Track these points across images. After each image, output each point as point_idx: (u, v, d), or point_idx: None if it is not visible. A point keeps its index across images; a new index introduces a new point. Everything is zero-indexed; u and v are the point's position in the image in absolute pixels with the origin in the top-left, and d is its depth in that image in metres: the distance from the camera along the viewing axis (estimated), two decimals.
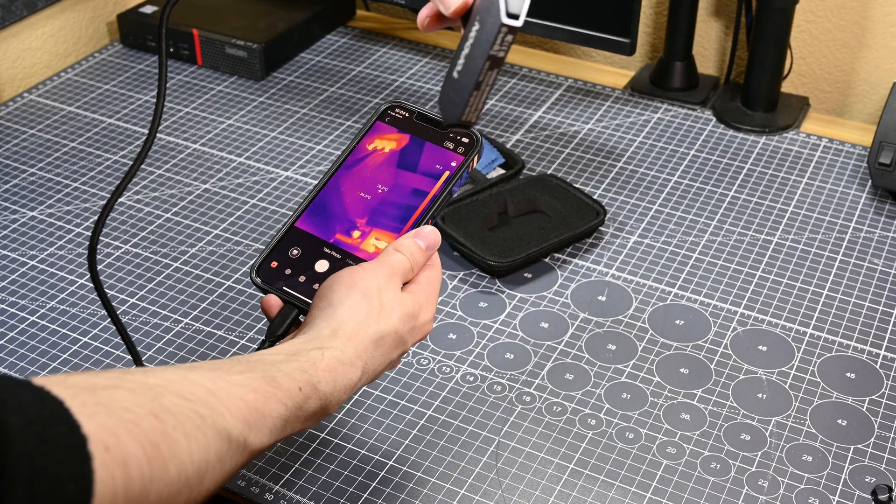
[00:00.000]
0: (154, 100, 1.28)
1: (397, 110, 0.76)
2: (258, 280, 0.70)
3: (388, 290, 0.65)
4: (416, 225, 0.71)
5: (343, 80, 1.32)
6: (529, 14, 1.22)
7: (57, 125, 1.23)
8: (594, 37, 1.18)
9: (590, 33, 1.19)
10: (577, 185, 1.10)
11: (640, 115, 1.24)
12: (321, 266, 0.70)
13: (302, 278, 0.70)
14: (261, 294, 0.71)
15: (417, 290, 0.68)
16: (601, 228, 1.05)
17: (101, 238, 1.04)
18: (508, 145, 1.19)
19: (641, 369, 0.89)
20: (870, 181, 1.12)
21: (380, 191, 0.72)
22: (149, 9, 1.39)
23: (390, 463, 0.80)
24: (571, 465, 0.80)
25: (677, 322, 0.94)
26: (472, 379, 0.88)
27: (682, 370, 0.89)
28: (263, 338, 0.67)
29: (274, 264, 0.70)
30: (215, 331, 0.93)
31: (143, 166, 1.15)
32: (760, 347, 0.91)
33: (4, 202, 1.10)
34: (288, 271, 0.70)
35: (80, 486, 0.41)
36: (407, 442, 0.82)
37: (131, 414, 0.46)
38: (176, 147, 1.19)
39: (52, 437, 0.41)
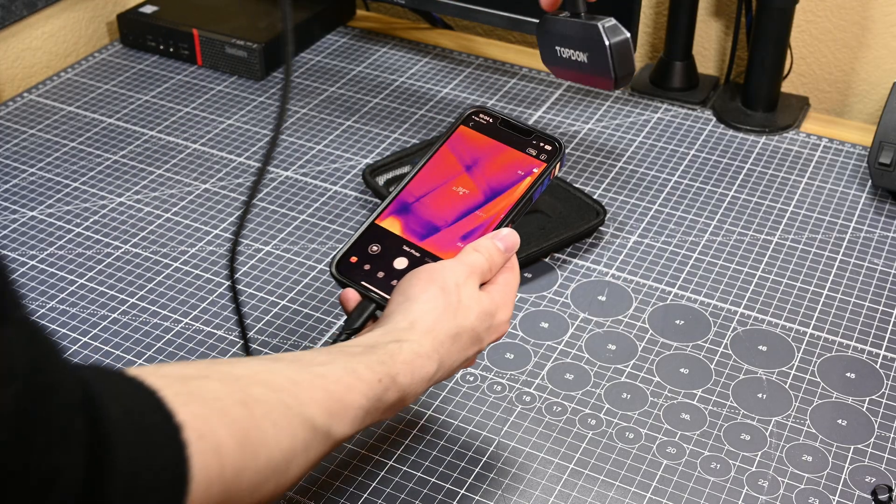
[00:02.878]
0: (154, 100, 1.28)
1: (482, 115, 0.77)
2: (337, 274, 0.71)
3: (467, 287, 0.66)
4: (497, 228, 0.72)
5: (343, 80, 1.32)
6: (530, 14, 1.22)
7: (57, 125, 1.23)
8: None
9: None
10: (577, 185, 1.10)
11: (640, 115, 1.24)
12: (400, 263, 0.71)
13: (381, 274, 0.71)
14: (339, 288, 0.73)
15: (495, 291, 0.68)
16: (601, 228, 1.05)
17: (100, 238, 1.04)
18: None
19: (641, 369, 0.89)
20: (870, 181, 1.12)
21: (461, 193, 0.74)
22: (149, 9, 1.39)
23: (390, 463, 0.80)
24: (571, 465, 0.80)
25: (677, 322, 0.94)
26: (472, 379, 0.88)
27: (682, 370, 0.89)
28: (341, 330, 0.69)
29: (353, 259, 0.72)
30: (215, 331, 0.93)
31: (142, 166, 1.15)
32: (760, 347, 0.91)
33: (4, 202, 1.10)
34: (367, 267, 0.71)
35: (175, 473, 0.42)
36: (407, 442, 0.82)
37: (222, 403, 0.46)
38: (176, 147, 1.19)
39: (148, 427, 0.41)
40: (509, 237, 0.70)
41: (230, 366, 0.52)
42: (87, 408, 0.39)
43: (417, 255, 0.72)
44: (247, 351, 0.72)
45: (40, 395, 0.37)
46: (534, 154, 0.75)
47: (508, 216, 0.73)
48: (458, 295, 0.65)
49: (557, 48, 0.71)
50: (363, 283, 0.70)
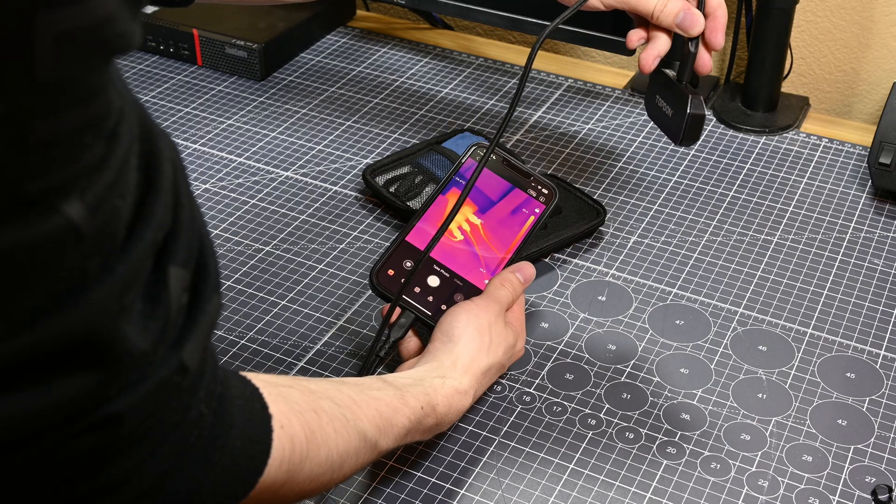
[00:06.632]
0: (154, 100, 1.28)
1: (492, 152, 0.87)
2: (378, 286, 0.82)
3: (497, 325, 0.80)
4: (511, 259, 0.85)
5: (343, 80, 1.32)
6: (530, 14, 1.22)
7: None
8: (594, 37, 1.19)
9: (590, 33, 1.19)
10: (577, 185, 1.10)
11: (640, 115, 1.24)
12: (433, 281, 0.84)
13: (417, 289, 0.83)
14: (379, 301, 0.88)
15: (514, 320, 0.83)
16: (601, 228, 1.05)
17: None
18: (509, 145, 1.19)
19: (641, 369, 0.89)
20: (870, 181, 1.12)
21: (478, 223, 0.86)
22: (149, 9, 1.39)
23: (390, 463, 0.80)
24: (571, 465, 0.80)
25: (677, 322, 0.94)
26: None
27: (682, 370, 0.89)
28: (385, 336, 0.81)
29: (391, 272, 0.83)
30: (215, 331, 0.92)
31: None
32: (760, 347, 0.91)
33: None
34: (403, 280, 0.82)
35: (262, 448, 0.56)
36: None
37: (300, 407, 0.61)
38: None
39: (250, 410, 0.56)
40: (528, 270, 0.84)
41: (308, 382, 0.65)
42: (223, 386, 0.55)
43: (447, 275, 0.84)
44: (368, 359, 0.82)
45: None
46: (534, 196, 0.88)
47: (520, 250, 0.85)
48: (490, 335, 0.79)
49: (658, 97, 0.87)
50: (403, 296, 0.82)
